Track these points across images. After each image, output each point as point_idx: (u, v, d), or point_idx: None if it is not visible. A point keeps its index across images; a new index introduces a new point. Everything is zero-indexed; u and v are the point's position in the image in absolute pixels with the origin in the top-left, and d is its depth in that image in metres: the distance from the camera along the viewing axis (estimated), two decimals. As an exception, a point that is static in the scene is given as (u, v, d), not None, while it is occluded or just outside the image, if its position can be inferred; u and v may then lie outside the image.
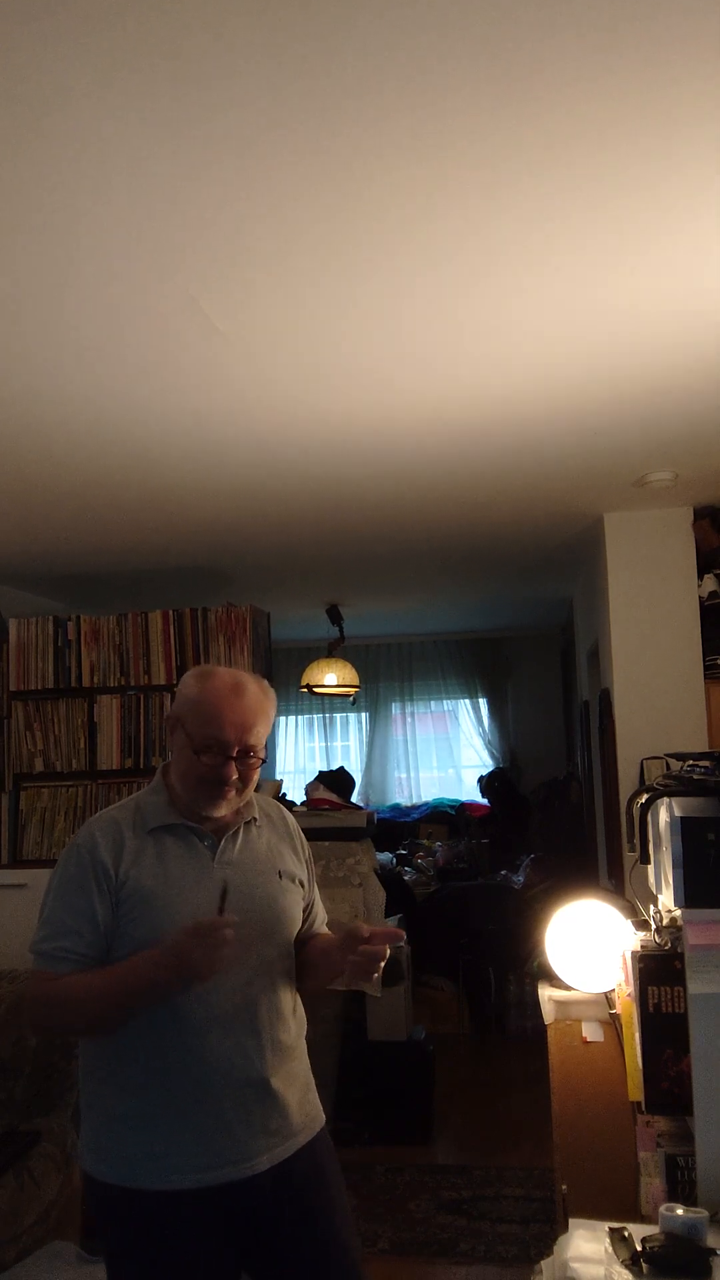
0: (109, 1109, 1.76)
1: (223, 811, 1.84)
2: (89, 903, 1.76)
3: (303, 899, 1.96)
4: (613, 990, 2.68)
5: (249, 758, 1.81)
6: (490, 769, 8.11)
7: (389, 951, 1.79)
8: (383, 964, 1.77)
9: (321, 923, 2.05)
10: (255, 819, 1.92)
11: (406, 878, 6.35)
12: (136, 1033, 1.73)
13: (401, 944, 4.62)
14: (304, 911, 1.97)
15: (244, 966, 1.77)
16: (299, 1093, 1.86)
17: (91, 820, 1.86)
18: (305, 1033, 1.93)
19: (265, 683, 1.88)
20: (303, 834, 2.04)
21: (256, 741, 1.81)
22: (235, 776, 1.80)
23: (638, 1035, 2.26)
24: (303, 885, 1.96)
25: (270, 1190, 1.77)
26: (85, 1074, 1.82)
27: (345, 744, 8.67)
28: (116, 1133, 1.74)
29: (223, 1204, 1.73)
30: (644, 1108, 2.24)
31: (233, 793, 1.82)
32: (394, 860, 6.75)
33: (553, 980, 2.90)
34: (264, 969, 1.82)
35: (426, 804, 8.12)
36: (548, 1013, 2.88)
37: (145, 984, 1.68)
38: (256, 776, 1.87)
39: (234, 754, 1.78)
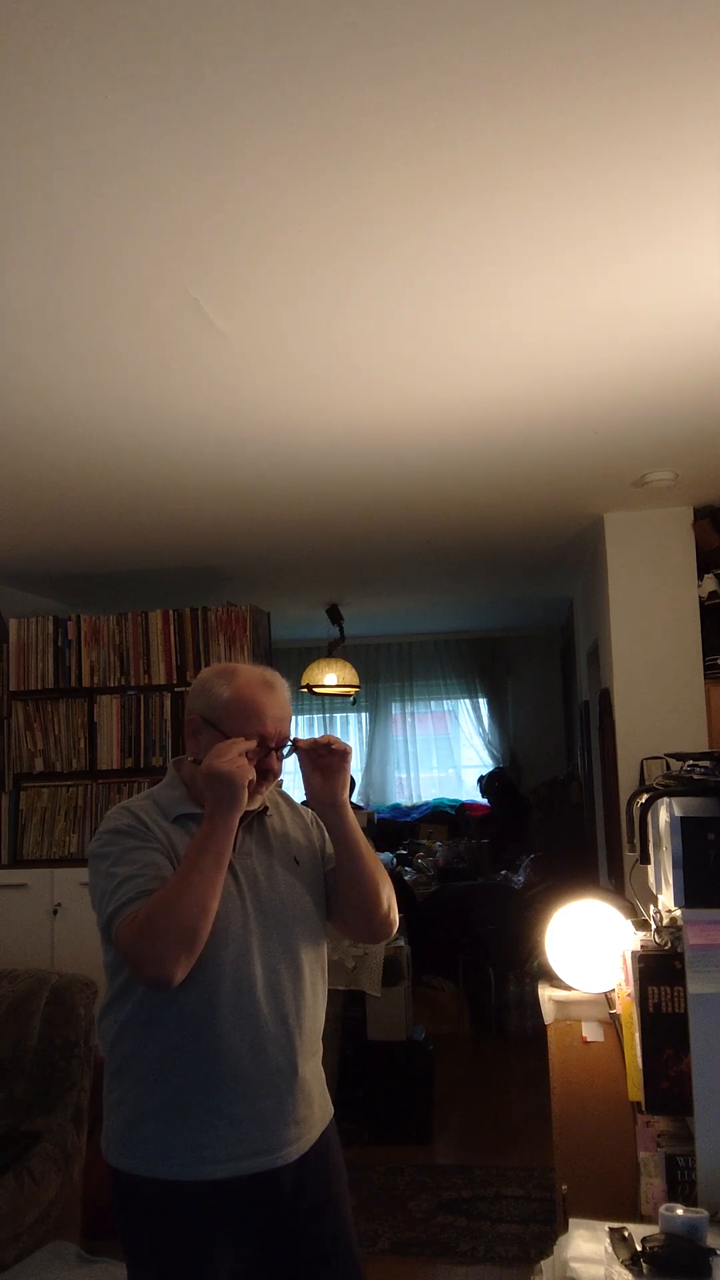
0: (140, 1104, 1.76)
1: (257, 804, 1.86)
2: (147, 848, 1.75)
3: (322, 869, 1.96)
4: (613, 990, 2.68)
5: (283, 747, 1.85)
6: (490, 769, 8.12)
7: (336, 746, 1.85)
8: (337, 757, 1.84)
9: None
10: (266, 807, 1.93)
11: (406, 878, 6.35)
12: (168, 1029, 1.74)
13: (402, 945, 4.62)
14: (326, 878, 1.96)
15: (269, 955, 1.78)
16: (321, 1083, 1.89)
17: (115, 808, 1.86)
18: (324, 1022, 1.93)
19: (277, 673, 1.93)
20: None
21: (288, 731, 1.87)
22: (277, 769, 1.84)
23: (638, 1035, 2.26)
24: (317, 852, 1.97)
25: (289, 1183, 1.79)
26: (113, 1072, 1.82)
27: (345, 744, 8.67)
28: (149, 1126, 1.75)
29: (251, 1194, 1.75)
30: (644, 1108, 2.24)
31: (269, 781, 1.85)
32: (394, 860, 6.75)
33: (553, 980, 2.90)
34: (289, 958, 1.82)
35: (426, 804, 8.12)
36: (548, 1013, 2.88)
37: (211, 829, 1.68)
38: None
39: (274, 746, 1.82)
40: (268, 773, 1.82)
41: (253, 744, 1.75)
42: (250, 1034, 1.75)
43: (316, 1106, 1.85)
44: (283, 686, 1.89)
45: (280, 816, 1.96)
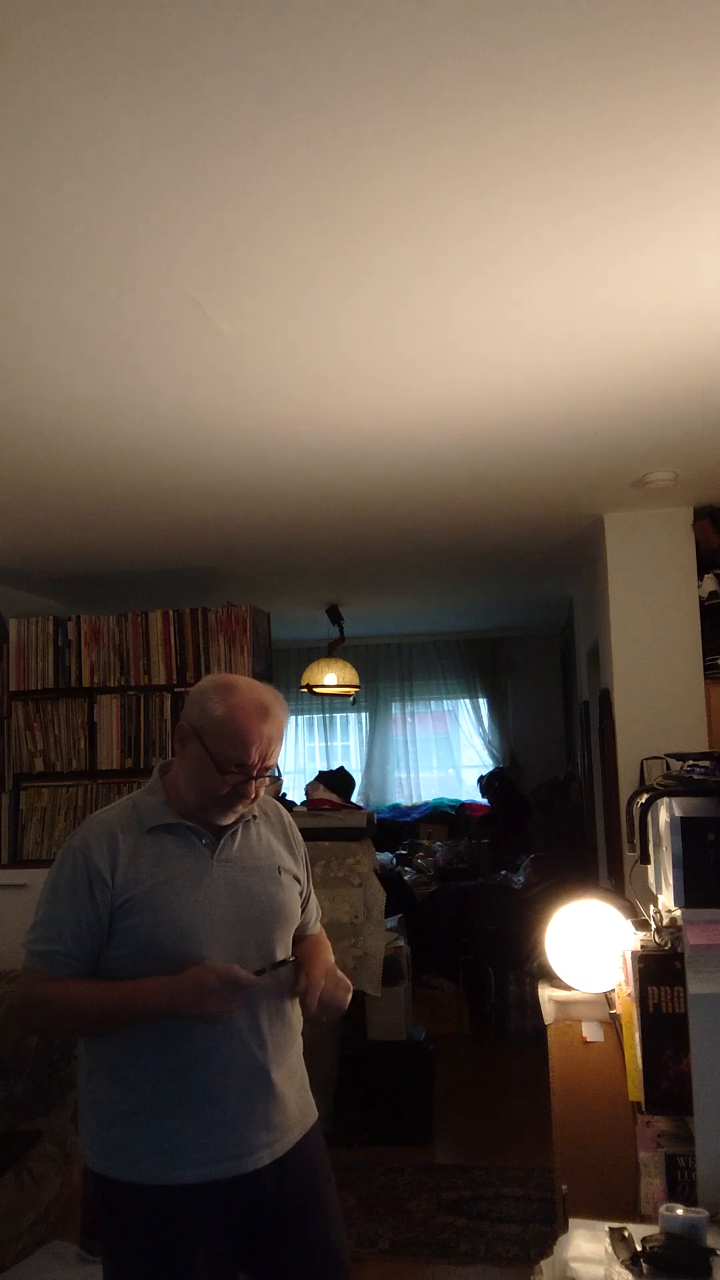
0: (114, 1106, 1.77)
1: (232, 819, 1.86)
2: (81, 908, 1.76)
3: (300, 894, 1.97)
4: (613, 990, 2.68)
5: (265, 773, 1.84)
6: (490, 769, 8.11)
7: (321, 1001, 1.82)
8: (321, 1007, 1.82)
9: (316, 920, 2.08)
10: (255, 816, 1.93)
11: (406, 878, 6.34)
12: (142, 1031, 1.74)
13: (402, 945, 4.62)
14: (301, 908, 1.99)
15: (244, 961, 1.78)
16: (296, 1088, 1.88)
17: (86, 822, 1.86)
18: (302, 1028, 1.94)
19: (279, 695, 1.90)
20: (298, 830, 2.05)
21: (274, 758, 1.85)
22: (254, 794, 1.83)
23: (638, 1035, 2.26)
24: (299, 881, 1.98)
25: (268, 1186, 1.79)
26: (88, 1073, 1.83)
27: (345, 744, 8.67)
28: (122, 1129, 1.75)
29: (224, 1199, 1.75)
30: (644, 1108, 2.24)
31: (245, 804, 1.85)
32: (394, 860, 6.75)
33: (553, 980, 2.90)
34: (264, 964, 1.82)
35: (426, 804, 8.12)
36: (548, 1013, 2.88)
37: (153, 1010, 1.70)
38: (265, 784, 1.90)
39: (255, 773, 1.81)
40: (245, 796, 1.82)
41: (242, 993, 1.72)
42: (222, 1039, 1.76)
43: (293, 1110, 1.85)
44: (280, 711, 1.85)
45: (266, 823, 1.97)
